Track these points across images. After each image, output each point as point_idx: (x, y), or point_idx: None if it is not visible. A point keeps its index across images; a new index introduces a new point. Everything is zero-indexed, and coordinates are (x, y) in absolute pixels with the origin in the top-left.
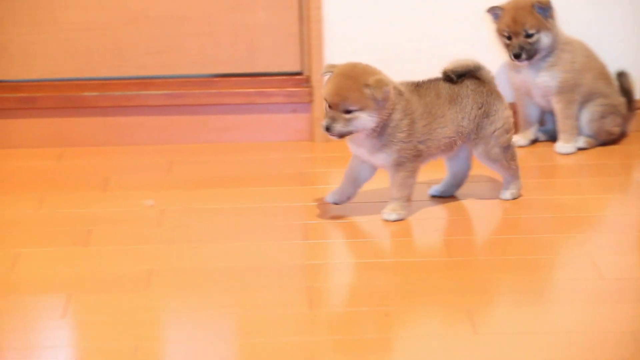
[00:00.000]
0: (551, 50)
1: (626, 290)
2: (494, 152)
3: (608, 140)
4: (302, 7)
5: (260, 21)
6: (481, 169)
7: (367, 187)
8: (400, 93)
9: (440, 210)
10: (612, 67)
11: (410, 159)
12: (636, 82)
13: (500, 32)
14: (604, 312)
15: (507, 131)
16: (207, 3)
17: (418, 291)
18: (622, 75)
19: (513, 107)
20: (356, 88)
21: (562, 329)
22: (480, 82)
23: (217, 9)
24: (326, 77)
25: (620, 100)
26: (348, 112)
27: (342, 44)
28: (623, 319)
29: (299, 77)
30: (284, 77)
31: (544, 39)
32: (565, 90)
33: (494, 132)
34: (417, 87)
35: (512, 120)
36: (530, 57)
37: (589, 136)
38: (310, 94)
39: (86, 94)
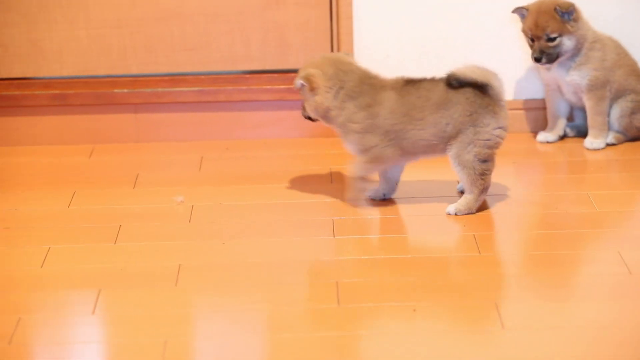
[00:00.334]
0: (578, 50)
1: None
2: (466, 158)
3: (637, 136)
4: (332, 4)
5: (290, 18)
6: (506, 167)
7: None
8: (376, 87)
9: None
10: None
11: (373, 147)
12: None
13: (524, 33)
14: (632, 307)
15: (490, 147)
16: (238, 0)
17: (446, 286)
18: None
19: (542, 103)
20: None
21: (590, 324)
22: (481, 95)
23: (248, 6)
24: None
25: None
26: None
27: (371, 40)
28: None
29: None
30: None
31: (567, 43)
32: (596, 87)
33: (475, 140)
34: (407, 84)
35: (500, 142)
36: (551, 60)
37: (619, 132)
38: None
39: (117, 90)
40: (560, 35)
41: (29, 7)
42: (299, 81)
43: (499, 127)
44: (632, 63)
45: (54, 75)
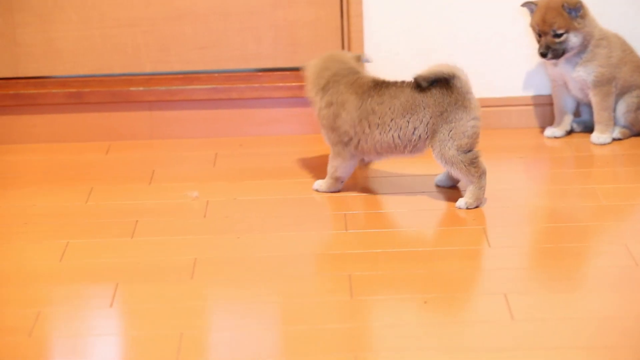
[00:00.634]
0: (584, 47)
1: None
2: (450, 154)
3: None
4: (342, 2)
5: (301, 16)
6: (514, 162)
7: (406, 178)
8: (344, 86)
9: None
10: None
11: (337, 144)
12: None
13: (532, 28)
14: (639, 299)
15: (469, 137)
16: (250, 0)
17: (456, 279)
18: None
19: (549, 99)
20: None
21: (597, 315)
22: (449, 92)
23: (259, 5)
24: None
25: None
26: None
27: (382, 38)
28: None
29: None
30: None
31: (573, 39)
32: (602, 83)
33: (450, 132)
34: (373, 88)
35: (477, 130)
36: (557, 56)
37: (625, 127)
38: None
39: (132, 88)
40: (566, 32)
41: (44, 6)
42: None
43: (473, 119)
44: (638, 59)
45: (70, 74)
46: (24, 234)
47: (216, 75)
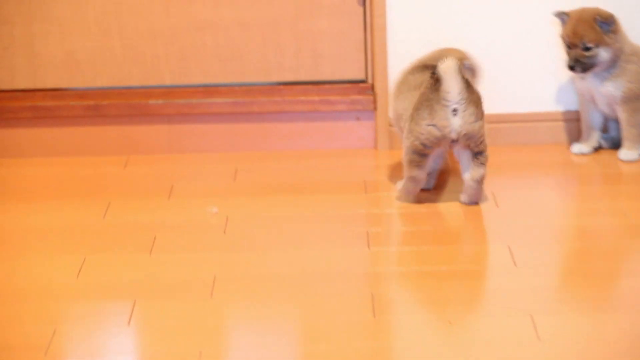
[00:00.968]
0: (614, 62)
1: None
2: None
3: None
4: (366, 15)
5: (324, 29)
6: (541, 178)
7: (428, 197)
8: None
9: (505, 216)
10: None
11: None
12: None
13: (562, 39)
14: None
15: (422, 142)
16: (271, 11)
17: (481, 298)
18: None
19: (576, 115)
20: None
21: (626, 337)
22: (434, 89)
23: (281, 17)
24: None
25: None
26: None
27: (405, 51)
28: None
29: (362, 85)
30: (348, 85)
31: (603, 54)
32: (631, 99)
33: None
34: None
35: (431, 138)
36: (585, 70)
37: None
38: (374, 101)
39: (151, 101)
40: (597, 46)
41: (63, 17)
42: None
43: (431, 125)
44: None
45: (88, 86)
46: (40, 249)
47: (237, 88)
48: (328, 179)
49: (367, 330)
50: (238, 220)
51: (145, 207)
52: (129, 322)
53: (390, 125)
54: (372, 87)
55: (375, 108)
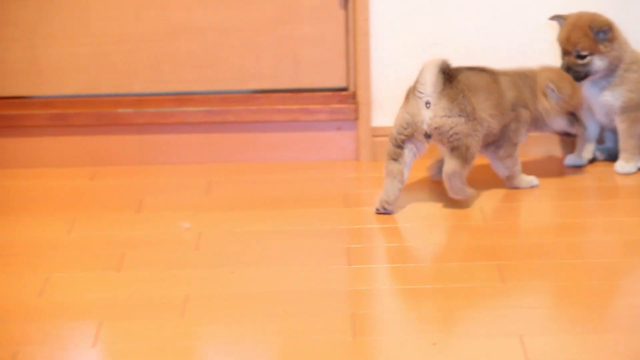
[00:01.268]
0: (612, 71)
1: None
2: None
3: None
4: (348, 19)
5: (304, 34)
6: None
7: (412, 211)
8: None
9: (494, 232)
10: None
11: None
12: None
13: (558, 43)
14: None
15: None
16: (249, 15)
17: (467, 318)
18: None
19: None
20: None
21: (619, 358)
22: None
23: (259, 22)
24: None
25: None
26: None
27: (389, 58)
28: None
29: (344, 93)
30: (329, 93)
31: (597, 63)
32: (630, 109)
33: None
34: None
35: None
36: (578, 78)
37: None
38: (356, 110)
39: (121, 110)
40: (590, 54)
41: (27, 21)
42: None
43: (406, 112)
44: None
45: (54, 94)
46: (1, 266)
47: (211, 96)
48: (307, 192)
49: (347, 352)
50: (211, 235)
51: (114, 222)
52: (94, 345)
53: (373, 135)
54: (354, 96)
55: (357, 117)
